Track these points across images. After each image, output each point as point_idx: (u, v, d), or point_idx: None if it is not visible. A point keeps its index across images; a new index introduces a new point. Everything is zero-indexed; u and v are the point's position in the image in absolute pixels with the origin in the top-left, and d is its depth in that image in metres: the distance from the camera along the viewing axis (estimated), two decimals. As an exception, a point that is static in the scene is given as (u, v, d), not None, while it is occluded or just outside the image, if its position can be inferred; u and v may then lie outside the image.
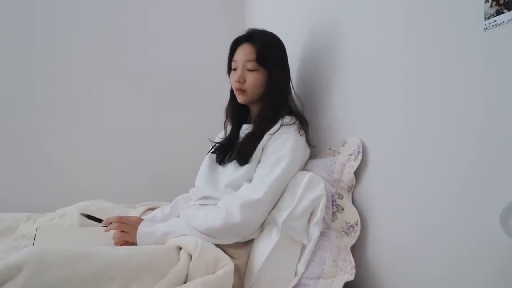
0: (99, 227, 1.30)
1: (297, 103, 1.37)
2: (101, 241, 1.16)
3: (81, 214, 1.31)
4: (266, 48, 1.29)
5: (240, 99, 1.33)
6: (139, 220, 1.21)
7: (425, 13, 0.92)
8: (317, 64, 1.43)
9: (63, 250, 0.91)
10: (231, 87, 1.38)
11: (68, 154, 2.09)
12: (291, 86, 1.37)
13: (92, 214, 1.36)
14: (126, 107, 2.20)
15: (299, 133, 1.24)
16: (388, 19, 1.06)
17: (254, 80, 1.28)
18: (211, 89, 2.25)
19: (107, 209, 1.45)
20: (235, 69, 1.32)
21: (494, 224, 0.68)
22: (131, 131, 2.20)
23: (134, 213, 1.42)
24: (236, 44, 1.34)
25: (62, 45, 2.11)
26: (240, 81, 1.29)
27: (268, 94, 1.30)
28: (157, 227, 1.17)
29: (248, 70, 1.29)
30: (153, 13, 2.27)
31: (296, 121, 1.26)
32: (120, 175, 2.16)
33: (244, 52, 1.30)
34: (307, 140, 1.29)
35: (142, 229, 1.16)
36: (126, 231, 1.16)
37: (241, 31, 1.37)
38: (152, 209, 1.48)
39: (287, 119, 1.25)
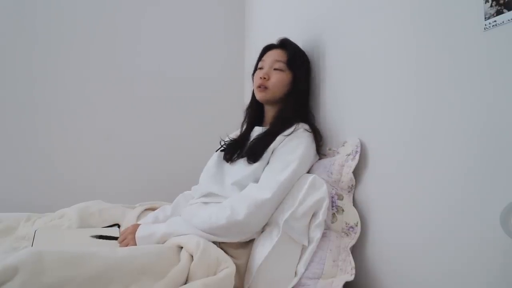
0: (98, 228, 1.30)
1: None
2: (100, 242, 1.16)
3: (93, 236, 1.21)
4: (297, 55, 1.38)
5: (259, 96, 1.36)
6: (134, 226, 1.22)
7: (424, 13, 0.92)
8: (317, 65, 1.43)
9: (61, 252, 0.91)
10: (253, 90, 1.42)
11: (68, 155, 2.09)
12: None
13: (92, 215, 1.36)
14: (127, 107, 2.20)
15: (312, 140, 1.27)
16: (387, 19, 1.06)
17: (278, 79, 1.34)
18: (211, 91, 2.26)
19: (107, 210, 1.44)
20: (261, 68, 1.38)
21: (494, 224, 0.68)
22: (131, 132, 2.20)
23: (132, 213, 1.42)
24: (267, 48, 1.42)
25: (62, 47, 2.12)
26: (264, 78, 1.34)
27: (290, 96, 1.35)
28: (156, 228, 1.17)
29: (274, 69, 1.35)
30: (154, 15, 2.27)
31: (311, 131, 1.29)
32: (120, 175, 2.16)
33: (275, 54, 1.38)
34: (318, 150, 1.30)
35: (140, 233, 1.16)
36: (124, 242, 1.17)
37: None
38: (152, 209, 1.48)
39: (303, 125, 1.28)
